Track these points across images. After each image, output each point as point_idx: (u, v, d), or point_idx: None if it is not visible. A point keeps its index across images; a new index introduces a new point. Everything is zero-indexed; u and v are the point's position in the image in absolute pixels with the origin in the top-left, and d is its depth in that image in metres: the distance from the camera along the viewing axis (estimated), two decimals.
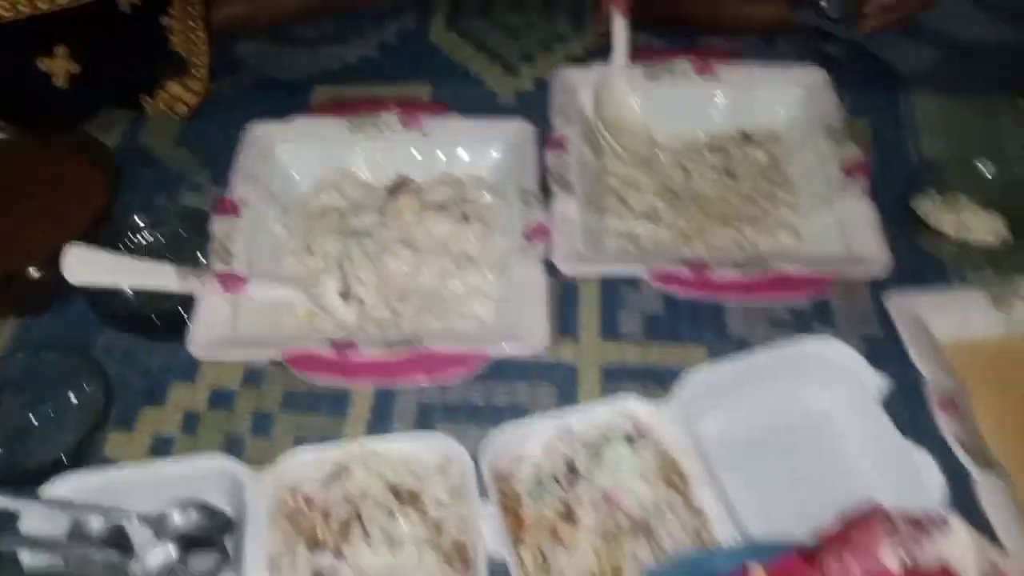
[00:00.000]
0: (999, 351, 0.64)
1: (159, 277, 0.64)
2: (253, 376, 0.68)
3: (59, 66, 0.80)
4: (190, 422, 0.66)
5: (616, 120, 0.78)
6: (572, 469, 0.59)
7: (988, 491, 0.56)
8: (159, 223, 0.73)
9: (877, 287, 0.69)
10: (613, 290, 0.73)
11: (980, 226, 0.72)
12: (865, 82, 0.84)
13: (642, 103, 0.79)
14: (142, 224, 0.73)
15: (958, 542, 0.52)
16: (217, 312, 0.64)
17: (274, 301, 0.68)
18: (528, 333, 0.62)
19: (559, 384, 0.67)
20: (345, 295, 0.70)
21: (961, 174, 0.75)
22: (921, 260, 0.72)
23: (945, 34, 0.83)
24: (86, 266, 0.62)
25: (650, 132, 0.79)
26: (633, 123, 0.78)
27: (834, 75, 0.79)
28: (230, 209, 0.71)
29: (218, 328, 0.63)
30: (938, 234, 0.71)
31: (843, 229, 0.69)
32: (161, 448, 0.65)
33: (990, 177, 0.75)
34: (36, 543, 0.56)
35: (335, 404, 0.66)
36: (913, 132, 0.82)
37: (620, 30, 0.78)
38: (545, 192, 0.72)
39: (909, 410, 0.62)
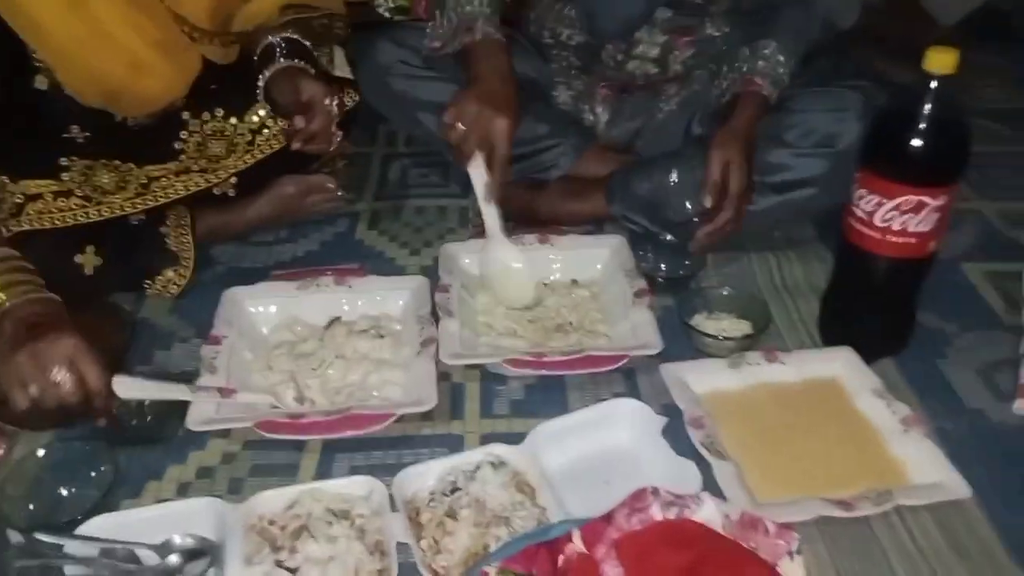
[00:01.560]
0: (733, 394, 0.97)
1: (177, 392, 0.93)
2: (228, 457, 0.95)
3: (88, 260, 1.12)
4: (182, 489, 0.92)
5: (500, 274, 1.12)
6: (455, 488, 0.86)
7: (722, 473, 0.86)
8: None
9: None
10: (488, 386, 1.03)
11: (732, 328, 1.07)
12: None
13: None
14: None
15: (707, 507, 0.80)
16: (206, 406, 0.93)
17: (248, 402, 0.96)
18: (422, 400, 0.92)
19: (450, 448, 0.95)
20: (299, 399, 0.99)
21: (721, 297, 1.11)
22: (697, 354, 1.06)
23: None
24: (128, 386, 0.90)
25: (532, 281, 1.13)
26: (518, 275, 1.12)
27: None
28: (213, 341, 1.01)
29: (207, 415, 0.91)
30: (704, 335, 1.06)
31: (635, 330, 1.03)
32: None
33: (738, 298, 1.11)
34: (77, 560, 0.79)
35: (289, 470, 0.93)
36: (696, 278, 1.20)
37: (492, 214, 1.12)
38: (436, 318, 1.05)
39: (679, 438, 0.92)
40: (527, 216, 1.28)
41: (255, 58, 1.17)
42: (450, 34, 1.16)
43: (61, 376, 0.86)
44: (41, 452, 0.92)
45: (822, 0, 1.18)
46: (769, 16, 1.16)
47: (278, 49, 1.15)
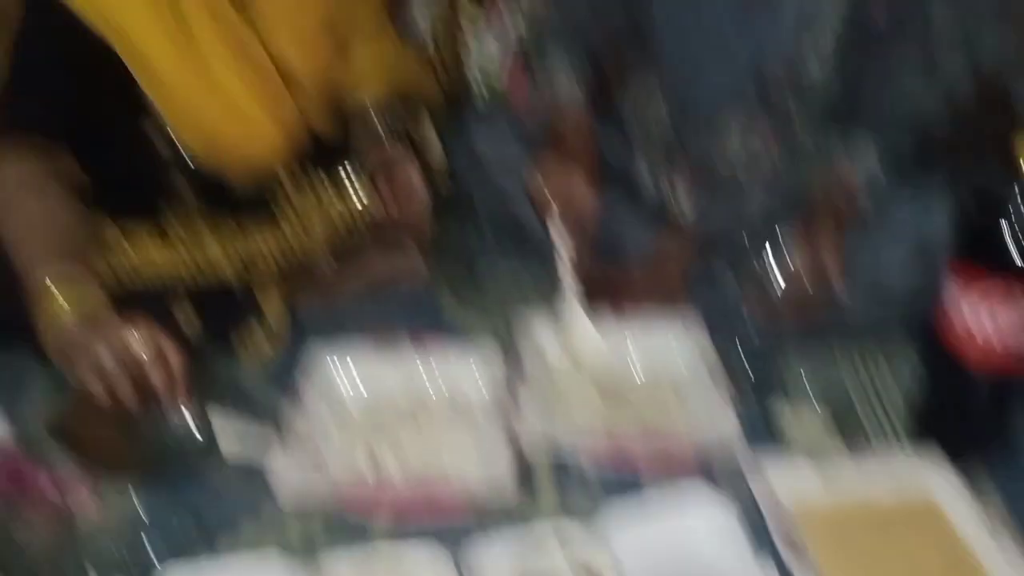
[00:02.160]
0: (820, 503, 0.93)
1: (266, 436, 0.98)
2: (303, 516, 0.96)
3: (184, 314, 1.16)
4: (256, 543, 0.91)
5: (578, 351, 1.13)
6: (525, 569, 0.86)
7: None
8: None
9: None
10: (564, 470, 1.01)
11: (815, 422, 1.05)
12: None
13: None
14: None
15: None
16: (293, 478, 0.95)
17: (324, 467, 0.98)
18: (497, 479, 0.94)
19: (522, 528, 0.92)
20: (375, 469, 1.00)
21: (805, 390, 1.09)
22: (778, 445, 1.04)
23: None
24: (222, 414, 0.96)
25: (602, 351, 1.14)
26: (589, 343, 1.14)
27: None
28: (295, 402, 1.04)
29: (295, 487, 0.95)
30: (786, 427, 1.04)
31: (716, 422, 1.02)
32: None
33: (823, 393, 1.09)
34: None
35: (360, 531, 0.93)
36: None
37: (569, 277, 1.14)
38: (515, 394, 1.06)
39: (763, 542, 0.90)
40: (608, 297, 1.29)
41: (356, 132, 1.23)
42: (538, 103, 1.20)
43: (136, 342, 0.90)
44: (125, 499, 0.95)
45: (914, 102, 1.18)
46: (860, 118, 1.16)
47: (379, 125, 1.20)
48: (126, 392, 0.91)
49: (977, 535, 0.90)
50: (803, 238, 1.10)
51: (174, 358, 0.93)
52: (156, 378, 0.92)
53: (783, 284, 1.11)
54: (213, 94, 1.11)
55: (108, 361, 0.90)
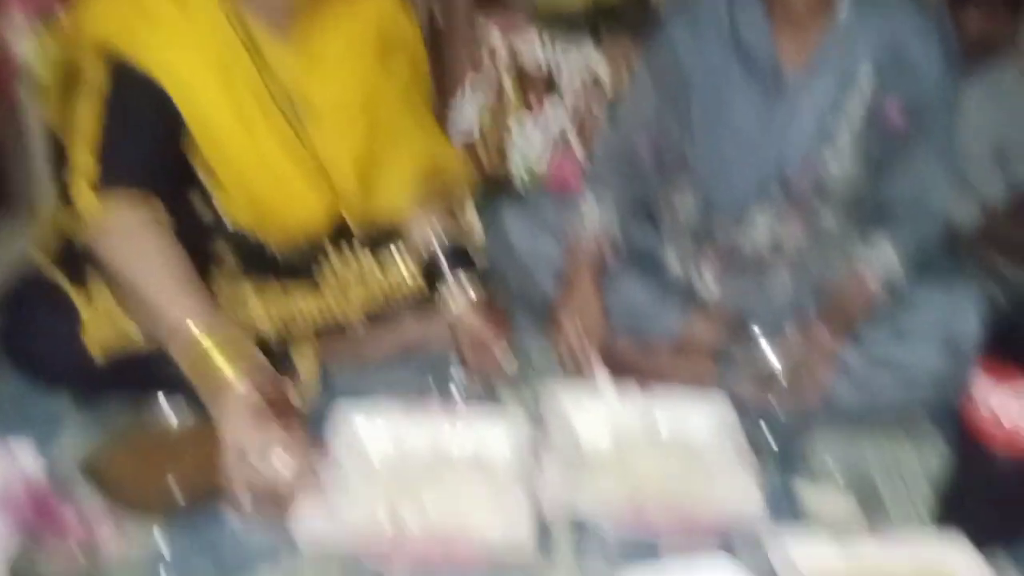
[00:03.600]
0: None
1: None
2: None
3: None
4: None
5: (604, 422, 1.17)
6: None
7: None
8: None
9: None
10: (583, 532, 1.02)
11: (838, 501, 1.04)
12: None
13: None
14: None
15: None
16: (315, 524, 0.96)
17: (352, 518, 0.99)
18: (517, 539, 0.95)
19: None
20: (396, 523, 1.00)
21: (828, 469, 1.09)
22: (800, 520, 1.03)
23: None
24: None
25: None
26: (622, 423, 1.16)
27: None
28: (322, 455, 1.05)
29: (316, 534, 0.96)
30: (810, 506, 1.03)
31: (737, 492, 1.02)
32: None
33: (846, 473, 1.08)
34: None
35: None
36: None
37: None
38: (537, 457, 1.06)
39: None
40: (636, 375, 1.30)
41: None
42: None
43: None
44: (148, 537, 0.98)
45: (938, 200, 1.21)
46: (884, 211, 1.20)
47: (443, 264, 1.27)
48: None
49: None
50: (807, 330, 1.13)
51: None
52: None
53: (780, 369, 1.13)
54: (265, 168, 1.18)
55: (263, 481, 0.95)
